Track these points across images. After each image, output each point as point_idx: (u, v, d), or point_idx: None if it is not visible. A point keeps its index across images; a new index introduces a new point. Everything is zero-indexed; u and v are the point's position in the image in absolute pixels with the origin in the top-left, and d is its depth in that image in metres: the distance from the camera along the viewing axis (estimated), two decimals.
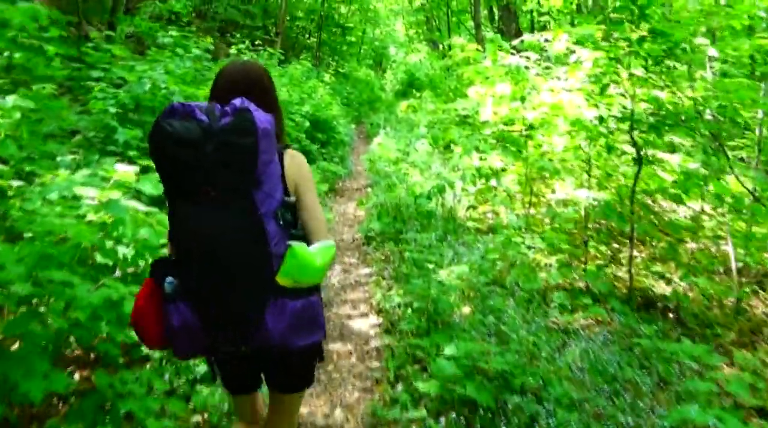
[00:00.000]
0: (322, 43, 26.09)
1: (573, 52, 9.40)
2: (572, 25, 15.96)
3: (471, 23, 25.67)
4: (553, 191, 8.10)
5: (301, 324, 2.22)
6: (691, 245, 7.16)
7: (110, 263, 3.93)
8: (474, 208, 8.10)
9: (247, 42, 13.07)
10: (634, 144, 5.73)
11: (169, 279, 2.19)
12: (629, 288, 5.85)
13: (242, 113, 2.06)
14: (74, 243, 3.55)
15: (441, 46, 28.20)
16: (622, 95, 5.96)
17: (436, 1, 28.19)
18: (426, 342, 4.54)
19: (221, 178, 2.05)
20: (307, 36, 26.55)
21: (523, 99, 7.65)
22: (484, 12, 23.89)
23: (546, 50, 9.49)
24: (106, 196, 3.90)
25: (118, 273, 4.00)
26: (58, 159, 5.81)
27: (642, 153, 5.81)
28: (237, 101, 2.12)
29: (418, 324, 4.91)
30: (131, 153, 5.72)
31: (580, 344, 4.75)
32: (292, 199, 2.28)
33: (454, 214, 8.01)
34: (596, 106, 6.13)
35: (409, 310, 5.20)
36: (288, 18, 22.67)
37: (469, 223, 7.50)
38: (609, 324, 5.43)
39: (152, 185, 4.13)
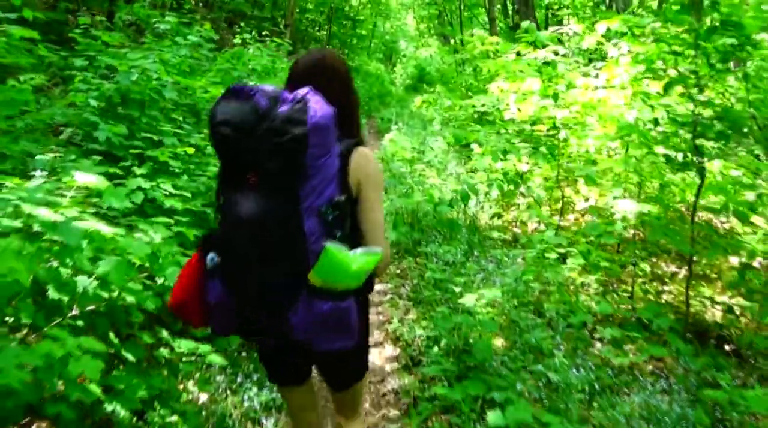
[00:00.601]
0: (332, 35, 25.15)
1: (602, 44, 8.56)
2: (594, 20, 14.99)
3: (485, 18, 24.72)
4: (586, 199, 7.21)
5: (326, 327, 2.07)
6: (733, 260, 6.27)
7: (65, 299, 3.06)
8: (499, 216, 7.19)
9: (254, 32, 12.13)
10: (697, 152, 4.81)
11: (212, 255, 2.10)
12: (684, 319, 4.96)
13: (299, 103, 1.98)
14: (10, 280, 2.66)
15: (453, 41, 27.30)
16: (683, 96, 5.03)
17: None
18: (457, 392, 3.64)
19: (267, 166, 1.97)
20: (316, 28, 25.59)
21: (555, 96, 6.74)
22: (498, 6, 22.89)
23: (565, 43, 8.59)
24: (62, 213, 3.05)
25: (75, 311, 3.13)
26: (38, 157, 4.99)
27: (706, 163, 4.90)
28: (302, 90, 2.03)
29: (446, 366, 4.01)
30: (90, 160, 4.80)
31: (640, 393, 3.87)
32: (342, 197, 2.09)
33: (477, 223, 7.10)
34: (651, 107, 5.22)
35: (435, 348, 4.29)
36: (297, 10, 21.74)
37: (494, 234, 6.57)
38: (663, 361, 4.56)
39: (119, 198, 3.26)
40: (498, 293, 4.73)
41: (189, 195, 4.52)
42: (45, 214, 2.88)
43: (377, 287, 5.98)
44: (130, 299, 3.21)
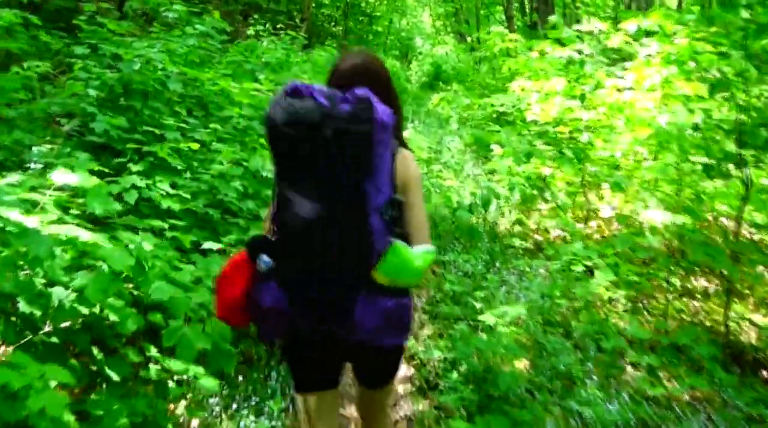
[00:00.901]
0: (348, 31, 24.67)
1: (628, 44, 8.12)
2: (615, 19, 14.54)
3: (501, 16, 24.23)
4: (613, 207, 6.76)
5: (389, 324, 2.07)
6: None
7: (38, 313, 2.66)
8: (521, 223, 6.75)
9: (268, 25, 11.70)
10: (740, 161, 4.37)
11: (265, 258, 2.07)
12: (723, 344, 4.52)
13: (363, 102, 1.97)
14: None
15: (469, 39, 26.79)
16: (726, 100, 4.59)
17: None
18: None
19: (334, 165, 1.95)
20: (332, 24, 25.11)
21: (582, 97, 6.30)
22: (515, 4, 22.36)
23: (587, 41, 8.13)
24: (39, 216, 2.66)
25: (49, 326, 2.74)
26: (35, 149, 4.64)
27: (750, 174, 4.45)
28: (359, 90, 2.02)
29: (465, 394, 3.59)
30: (86, 154, 4.36)
31: None
32: (399, 196, 2.13)
33: (496, 229, 6.67)
34: (691, 111, 4.77)
35: (454, 374, 3.86)
36: (314, 5, 21.30)
37: (516, 241, 6.12)
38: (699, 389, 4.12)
39: (103, 201, 2.86)
40: (522, 310, 4.32)
41: (188, 196, 4.11)
42: (16, 217, 2.48)
43: None
44: (113, 317, 2.82)
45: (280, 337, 2.28)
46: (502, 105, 10.42)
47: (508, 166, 6.39)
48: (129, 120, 5.11)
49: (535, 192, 6.22)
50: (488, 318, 4.25)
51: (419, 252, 2.06)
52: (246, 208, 4.71)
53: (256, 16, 13.31)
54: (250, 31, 10.93)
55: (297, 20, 19.17)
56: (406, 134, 10.30)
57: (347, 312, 2.03)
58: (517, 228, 6.74)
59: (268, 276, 2.06)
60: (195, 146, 4.98)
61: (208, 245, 3.88)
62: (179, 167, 4.76)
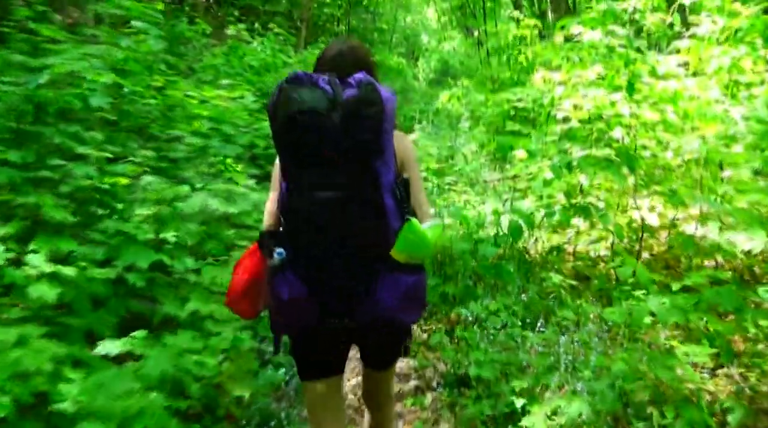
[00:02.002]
0: (351, 30, 23.11)
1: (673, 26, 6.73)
2: None
3: (509, 7, 22.67)
4: (672, 225, 5.22)
5: (409, 300, 2.04)
6: None
7: None
8: (560, 250, 5.19)
9: (256, 24, 10.16)
10: None
11: (279, 250, 1.98)
12: None
13: (368, 85, 1.92)
14: None
15: (476, 32, 25.21)
16: None
17: None
18: None
19: (345, 148, 1.90)
20: (335, 23, 23.52)
21: (630, 87, 4.77)
22: None
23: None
24: None
25: None
26: None
27: None
28: (359, 75, 1.97)
29: None
30: None
31: None
32: (406, 174, 2.10)
33: (527, 257, 5.13)
34: None
35: None
36: (315, 5, 19.78)
37: (555, 276, 4.56)
38: None
39: None
40: (584, 407, 2.83)
41: (72, 272, 2.60)
42: None
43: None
44: None
45: (293, 329, 2.15)
46: (519, 100, 8.92)
47: (540, 177, 4.90)
48: (37, 151, 3.68)
49: (578, 216, 4.67)
50: (535, 420, 2.78)
51: (429, 227, 2.00)
52: (183, 267, 3.24)
53: (236, 13, 11.66)
54: (231, 31, 9.37)
55: (297, 21, 17.74)
56: (413, 137, 8.71)
57: (369, 293, 1.96)
58: (554, 258, 5.19)
59: (283, 267, 1.95)
60: (123, 181, 3.56)
61: (105, 348, 2.43)
62: (99, 213, 3.34)
